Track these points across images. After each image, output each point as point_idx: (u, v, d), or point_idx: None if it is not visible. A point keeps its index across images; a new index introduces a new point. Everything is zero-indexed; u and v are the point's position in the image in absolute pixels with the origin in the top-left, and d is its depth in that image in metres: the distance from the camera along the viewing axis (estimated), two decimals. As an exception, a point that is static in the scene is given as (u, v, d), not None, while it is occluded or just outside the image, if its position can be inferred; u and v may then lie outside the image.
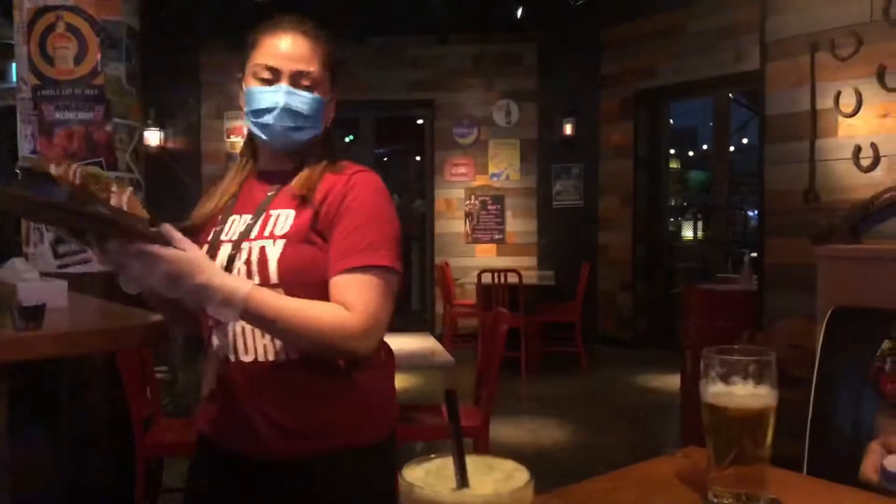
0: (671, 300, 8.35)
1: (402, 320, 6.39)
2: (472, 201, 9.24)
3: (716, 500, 1.23)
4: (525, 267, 8.48)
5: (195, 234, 1.60)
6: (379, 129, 9.88)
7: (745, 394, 1.21)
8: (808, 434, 1.91)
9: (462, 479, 0.61)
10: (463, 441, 0.64)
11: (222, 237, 1.61)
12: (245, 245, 1.56)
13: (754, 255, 5.55)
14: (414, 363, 3.86)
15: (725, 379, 1.24)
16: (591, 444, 5.40)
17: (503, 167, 9.24)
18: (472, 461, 0.64)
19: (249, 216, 1.61)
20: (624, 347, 8.49)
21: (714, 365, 1.25)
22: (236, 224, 1.62)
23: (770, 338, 4.92)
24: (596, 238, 8.97)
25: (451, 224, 9.27)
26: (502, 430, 5.45)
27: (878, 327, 1.65)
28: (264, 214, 1.59)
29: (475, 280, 7.58)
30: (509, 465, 0.69)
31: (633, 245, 8.67)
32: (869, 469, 1.34)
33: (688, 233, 10.53)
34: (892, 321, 1.63)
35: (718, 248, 8.91)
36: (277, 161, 1.66)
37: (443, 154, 9.32)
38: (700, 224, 10.49)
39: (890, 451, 1.34)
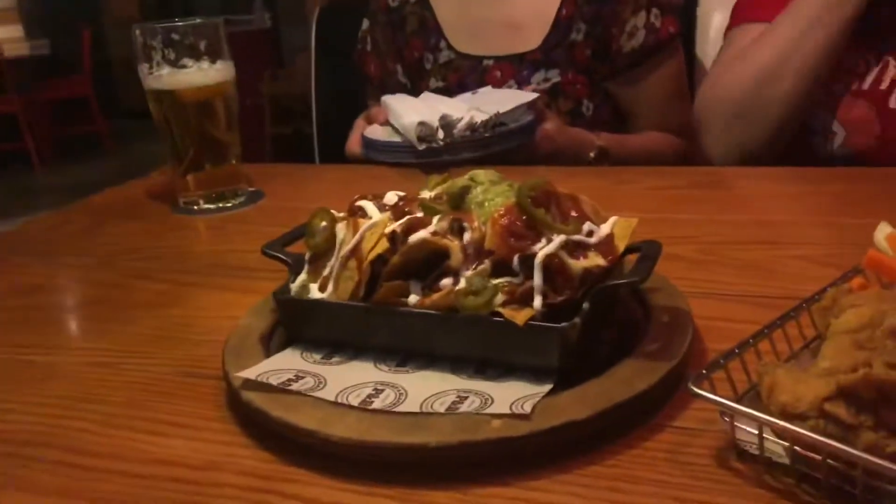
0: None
1: None
2: None
3: (185, 206, 1.02)
4: (10, 38, 6.94)
5: None
6: None
7: (196, 70, 0.98)
8: (316, 143, 1.88)
9: None
10: None
11: None
12: None
13: (264, -9, 5.28)
14: None
15: (174, 61, 0.98)
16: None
17: None
18: None
19: None
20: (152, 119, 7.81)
21: (155, 45, 0.97)
22: None
23: (291, 74, 4.89)
24: (93, -6, 7.69)
25: None
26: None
27: (362, 16, 1.57)
28: None
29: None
30: None
31: (141, 2, 7.66)
32: (353, 143, 1.27)
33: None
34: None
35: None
36: None
37: None
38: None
39: (372, 123, 1.27)
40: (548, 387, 0.49)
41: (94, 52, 6.70)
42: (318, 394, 0.50)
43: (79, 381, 0.60)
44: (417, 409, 0.48)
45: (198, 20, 0.96)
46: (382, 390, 0.50)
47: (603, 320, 0.55)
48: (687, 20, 1.51)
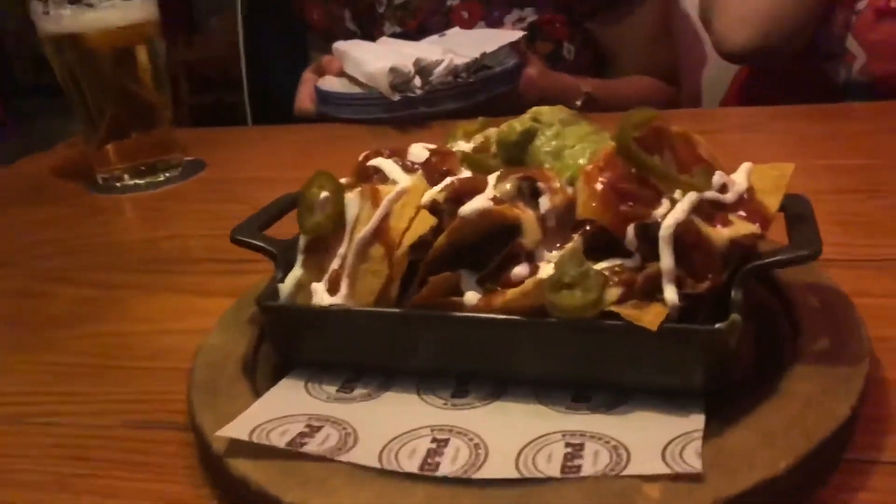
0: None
1: None
2: None
3: (105, 182, 0.81)
4: None
5: None
6: None
7: (109, 8, 0.76)
8: (246, 84, 1.68)
9: None
10: None
11: None
12: None
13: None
14: None
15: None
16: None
17: None
18: None
19: None
20: (51, 95, 7.23)
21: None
22: None
23: (207, 38, 4.54)
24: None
25: None
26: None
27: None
28: None
29: None
30: None
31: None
32: (305, 100, 1.08)
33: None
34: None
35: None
36: None
37: None
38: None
39: (324, 75, 1.08)
40: (699, 420, 0.33)
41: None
42: (351, 456, 0.33)
43: (-30, 447, 0.41)
44: (515, 473, 0.31)
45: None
46: (445, 440, 0.34)
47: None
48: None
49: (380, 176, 0.41)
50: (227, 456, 0.33)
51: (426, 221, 0.37)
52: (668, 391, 0.34)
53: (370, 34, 1.23)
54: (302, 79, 1.13)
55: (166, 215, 0.74)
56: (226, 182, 0.81)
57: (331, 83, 1.02)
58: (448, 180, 0.39)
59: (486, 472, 0.31)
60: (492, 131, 0.44)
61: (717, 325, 0.32)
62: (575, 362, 0.35)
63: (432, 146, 0.43)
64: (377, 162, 0.41)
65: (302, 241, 0.41)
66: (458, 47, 0.99)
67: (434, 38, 1.10)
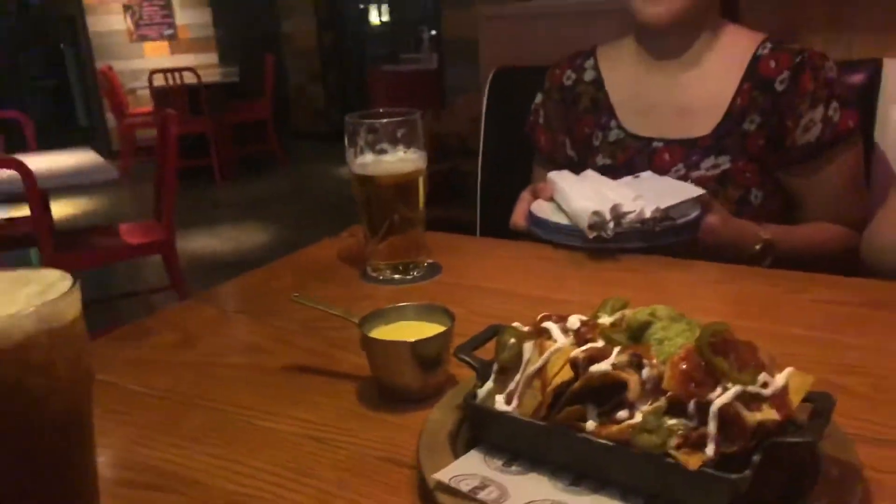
0: (363, 88, 8.28)
1: (65, 138, 5.51)
2: (130, -9, 7.95)
3: (374, 275, 1.14)
4: (205, 65, 7.71)
5: None
6: None
7: (394, 160, 1.09)
8: (479, 197, 1.95)
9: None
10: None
11: None
12: None
13: (434, 32, 5.52)
14: (71, 181, 3.35)
15: (373, 146, 1.10)
16: (296, 242, 5.34)
17: (156, -52, 7.96)
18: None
19: None
20: (320, 141, 8.37)
21: (360, 132, 1.10)
22: None
23: (453, 113, 5.08)
24: (278, 26, 8.39)
25: (108, 21, 7.96)
26: (200, 241, 5.19)
27: (535, 83, 1.63)
28: None
29: (147, 84, 6.72)
30: (53, 275, 0.56)
31: (319, 32, 8.27)
32: (519, 216, 1.33)
33: (374, 17, 10.26)
34: (544, 75, 1.61)
35: (406, 30, 8.85)
36: None
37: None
38: (386, 6, 10.25)
39: (538, 198, 1.34)
40: (716, 532, 0.53)
41: (275, 78, 7.28)
42: (503, 504, 0.57)
43: (295, 453, 0.71)
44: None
45: (398, 115, 1.08)
46: (559, 510, 0.57)
47: (772, 466, 0.58)
48: (866, 106, 1.45)
49: (548, 334, 0.66)
50: (435, 490, 0.59)
51: (567, 374, 0.61)
52: (702, 509, 0.55)
53: (585, 162, 1.48)
54: (520, 196, 1.38)
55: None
56: (455, 287, 1.09)
57: (542, 209, 1.28)
58: (587, 346, 0.62)
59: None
60: (627, 312, 0.67)
61: (733, 476, 0.53)
62: (646, 479, 0.57)
63: (584, 318, 0.67)
64: (548, 325, 0.66)
65: (495, 366, 0.67)
66: (647, 192, 1.21)
67: (629, 179, 1.31)
